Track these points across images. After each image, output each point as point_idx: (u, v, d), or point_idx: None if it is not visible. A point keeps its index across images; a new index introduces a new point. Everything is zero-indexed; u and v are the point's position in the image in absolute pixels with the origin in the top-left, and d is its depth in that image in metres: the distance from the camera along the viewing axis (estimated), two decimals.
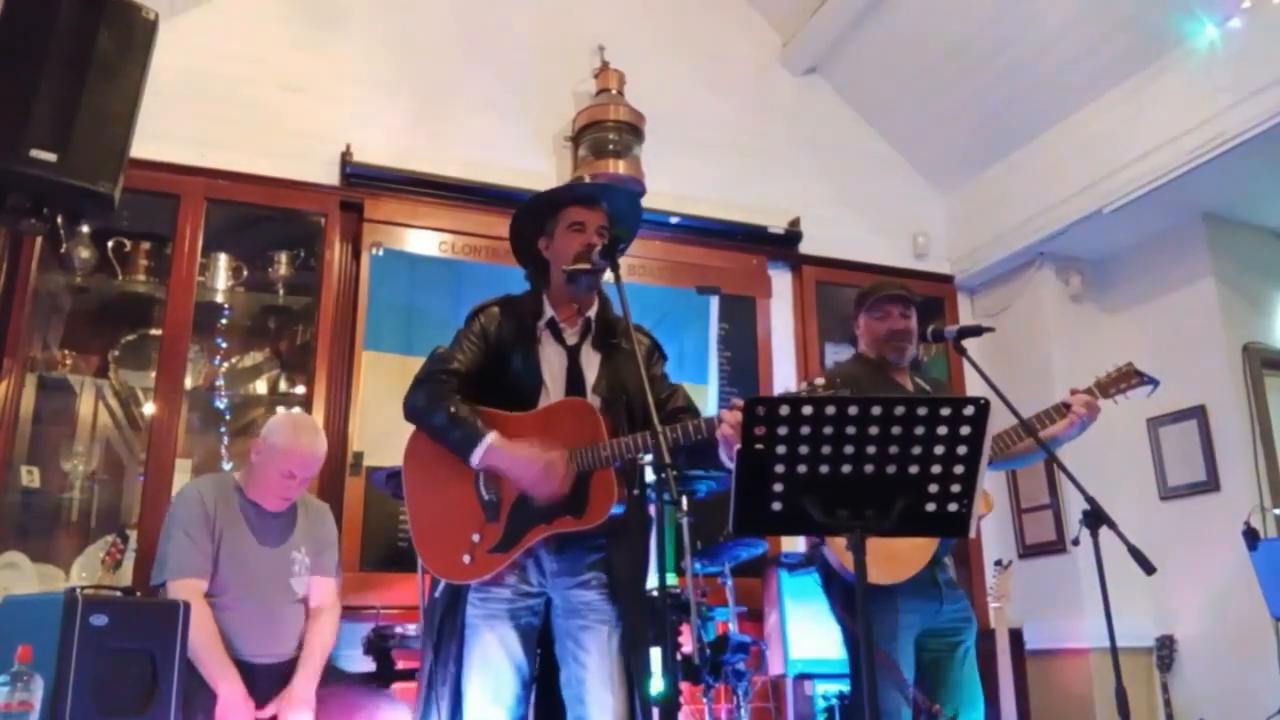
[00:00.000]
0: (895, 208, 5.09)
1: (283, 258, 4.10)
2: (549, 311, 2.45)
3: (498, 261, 3.99)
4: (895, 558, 2.65)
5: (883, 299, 2.98)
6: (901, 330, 2.97)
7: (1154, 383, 2.87)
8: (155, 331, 3.83)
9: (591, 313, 2.47)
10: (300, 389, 3.96)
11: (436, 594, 2.36)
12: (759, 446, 1.61)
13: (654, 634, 2.20)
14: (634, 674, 2.21)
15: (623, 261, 2.35)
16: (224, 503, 2.82)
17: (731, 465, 2.29)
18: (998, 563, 3.68)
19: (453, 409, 2.28)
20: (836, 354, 4.77)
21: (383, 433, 3.65)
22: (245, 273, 4.06)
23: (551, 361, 2.41)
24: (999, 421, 2.60)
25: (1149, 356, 2.96)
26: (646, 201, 3.48)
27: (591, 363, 2.43)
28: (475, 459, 2.24)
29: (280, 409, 3.82)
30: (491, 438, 2.24)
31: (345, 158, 4.02)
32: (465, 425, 2.26)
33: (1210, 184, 4.09)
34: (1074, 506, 3.67)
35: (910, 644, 2.71)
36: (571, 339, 2.44)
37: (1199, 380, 4.32)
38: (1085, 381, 2.94)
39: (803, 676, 3.83)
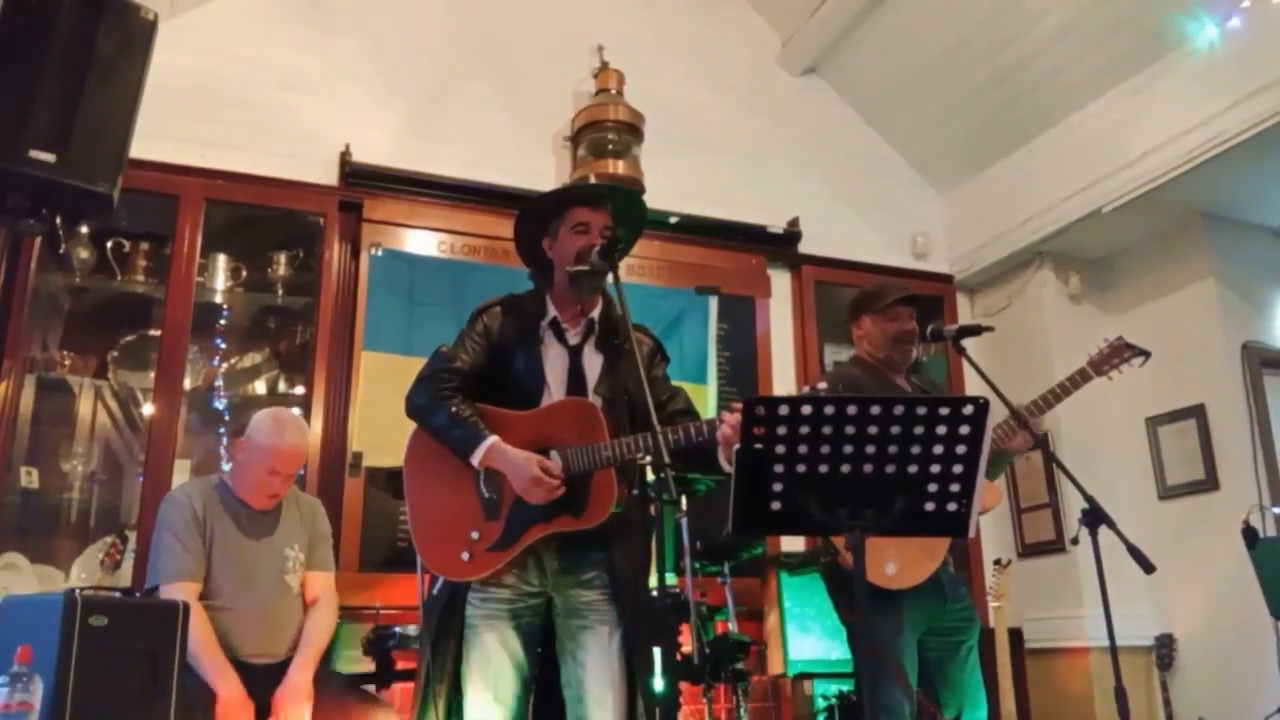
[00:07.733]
0: (895, 208, 5.08)
1: (282, 258, 4.10)
2: (552, 312, 2.45)
3: (497, 261, 4.00)
4: (913, 562, 2.66)
5: (896, 302, 2.96)
6: (911, 331, 2.97)
7: (1145, 354, 2.88)
8: (154, 332, 3.82)
9: (595, 313, 2.46)
10: (300, 389, 3.95)
11: (435, 592, 2.37)
12: (758, 446, 1.61)
13: (654, 634, 2.20)
14: (635, 674, 2.22)
15: (622, 261, 2.35)
16: (212, 503, 2.80)
17: (730, 468, 2.29)
18: (997, 562, 3.68)
19: (454, 408, 2.29)
20: (836, 354, 4.77)
21: (382, 433, 3.65)
22: (244, 273, 4.06)
23: (554, 362, 2.41)
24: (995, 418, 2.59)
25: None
26: (645, 201, 3.47)
27: (594, 363, 2.42)
28: (476, 459, 2.25)
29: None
30: (493, 439, 2.25)
31: (344, 158, 4.02)
32: (466, 425, 2.28)
33: (1210, 184, 4.09)
34: (1073, 506, 3.66)
35: (914, 643, 2.71)
36: (574, 339, 2.44)
37: (1199, 380, 4.33)
38: None
39: (803, 676, 3.82)
